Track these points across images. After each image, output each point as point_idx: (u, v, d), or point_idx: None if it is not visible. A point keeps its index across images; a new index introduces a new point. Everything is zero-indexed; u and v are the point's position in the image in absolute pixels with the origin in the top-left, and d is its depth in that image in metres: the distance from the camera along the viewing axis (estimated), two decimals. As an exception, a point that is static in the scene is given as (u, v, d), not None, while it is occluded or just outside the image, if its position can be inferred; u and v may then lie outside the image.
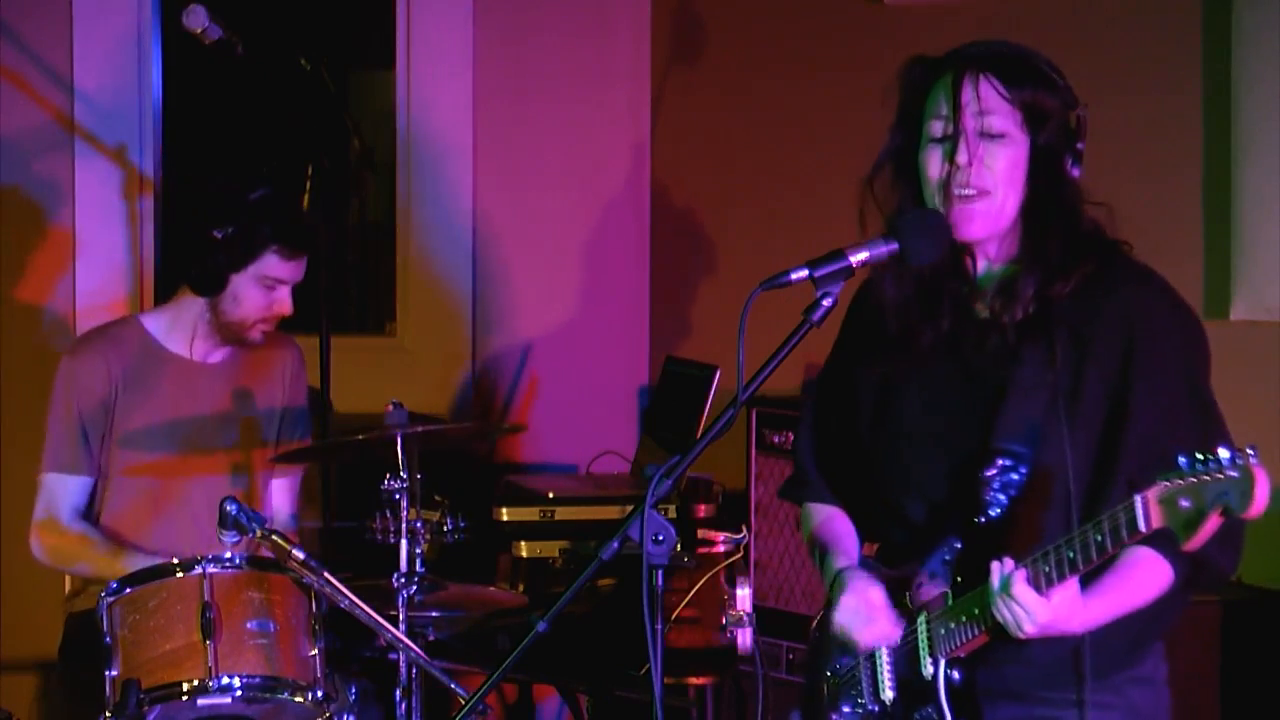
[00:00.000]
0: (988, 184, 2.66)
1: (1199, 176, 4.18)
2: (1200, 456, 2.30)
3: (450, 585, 3.83)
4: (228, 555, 3.51)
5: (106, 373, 3.97)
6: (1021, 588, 2.51)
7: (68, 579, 4.17)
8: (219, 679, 3.43)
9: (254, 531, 3.38)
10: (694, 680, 4.22)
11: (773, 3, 5.35)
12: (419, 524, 3.72)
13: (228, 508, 3.39)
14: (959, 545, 2.71)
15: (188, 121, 5.86)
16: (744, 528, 4.38)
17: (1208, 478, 2.29)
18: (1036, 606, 2.51)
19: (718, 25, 5.49)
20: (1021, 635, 2.55)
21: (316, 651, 3.54)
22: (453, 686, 3.35)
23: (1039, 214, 2.68)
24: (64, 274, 5.33)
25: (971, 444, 2.70)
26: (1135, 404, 2.62)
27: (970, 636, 2.63)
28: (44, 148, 5.32)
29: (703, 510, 4.36)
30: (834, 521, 2.96)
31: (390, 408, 3.77)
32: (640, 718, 2.91)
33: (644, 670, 2.65)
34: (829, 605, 2.85)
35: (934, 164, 2.69)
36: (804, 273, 2.56)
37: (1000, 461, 2.67)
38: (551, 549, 4.42)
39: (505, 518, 4.45)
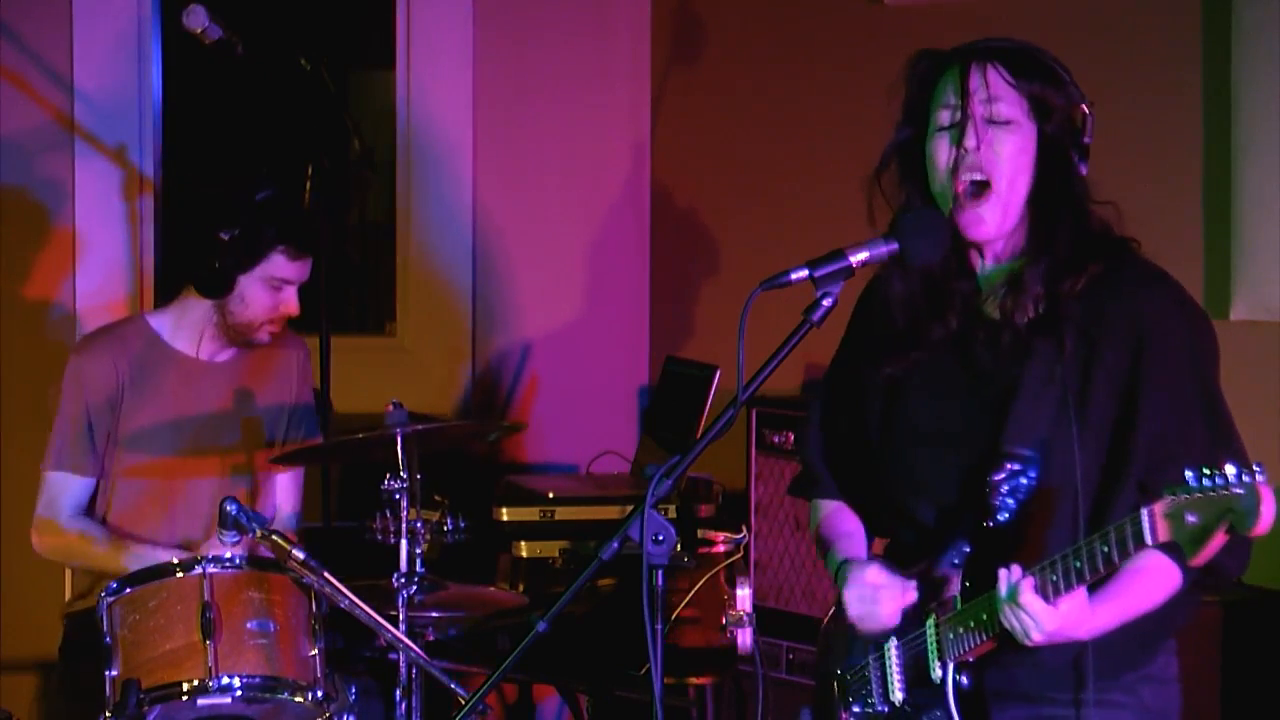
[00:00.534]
0: (994, 170, 2.65)
1: (1199, 176, 4.18)
2: (1207, 472, 2.30)
3: (450, 585, 3.83)
4: (228, 555, 3.51)
5: (114, 371, 3.97)
6: (1029, 596, 2.51)
7: (68, 582, 4.17)
8: (219, 679, 3.43)
9: (254, 531, 3.38)
10: (694, 680, 4.22)
11: (772, 3, 5.35)
12: (419, 524, 3.72)
13: (228, 508, 3.39)
14: (968, 549, 2.70)
15: (188, 121, 5.86)
16: (744, 528, 4.38)
17: (1214, 494, 2.29)
18: (1044, 615, 2.51)
19: (718, 25, 5.49)
20: (1029, 643, 2.55)
21: (316, 651, 3.54)
22: (453, 686, 3.35)
23: (1046, 205, 2.68)
24: (64, 274, 5.33)
25: (981, 447, 2.69)
26: (1145, 406, 2.62)
27: (978, 642, 2.63)
28: (44, 148, 5.32)
29: (703, 510, 4.36)
30: (842, 518, 2.96)
31: (390, 408, 3.77)
32: (640, 718, 2.91)
33: (644, 670, 2.66)
34: (838, 604, 2.85)
35: (942, 150, 2.69)
36: (804, 273, 2.56)
37: (1009, 466, 2.67)
38: (551, 549, 4.42)
39: (505, 518, 4.45)
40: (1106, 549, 2.42)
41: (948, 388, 2.77)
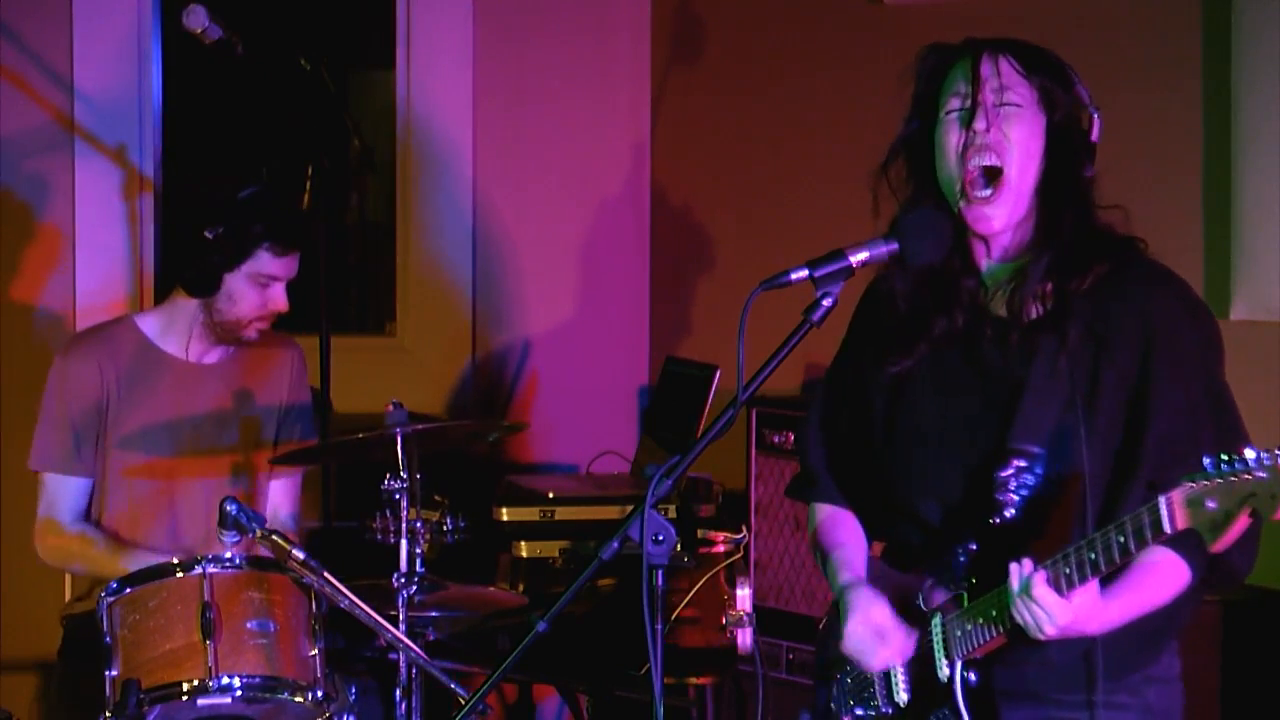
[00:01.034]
0: (1005, 153, 2.65)
1: (1199, 176, 4.18)
2: (1226, 457, 2.29)
3: (450, 585, 3.83)
4: (228, 555, 3.51)
5: (99, 375, 3.96)
6: (1042, 589, 2.51)
7: (68, 583, 4.17)
8: (219, 679, 3.42)
9: (254, 531, 3.38)
10: (694, 680, 4.22)
11: (772, 3, 5.35)
12: (419, 524, 3.72)
13: (227, 508, 3.39)
14: (974, 546, 2.70)
15: (188, 121, 5.86)
16: (744, 528, 4.38)
17: (1234, 479, 2.28)
18: (1057, 608, 2.51)
19: (718, 25, 5.49)
20: (1041, 637, 2.55)
21: (316, 651, 3.54)
22: (453, 686, 3.35)
23: (1054, 197, 2.68)
24: (63, 274, 5.33)
25: (987, 444, 2.69)
26: (1155, 406, 2.62)
27: (988, 638, 2.63)
28: (44, 148, 5.32)
29: (703, 510, 4.36)
30: (839, 525, 2.95)
31: (390, 408, 3.77)
32: (640, 718, 2.91)
33: (644, 670, 2.66)
34: (836, 616, 2.84)
35: (951, 134, 2.69)
36: (804, 273, 2.56)
37: (1016, 462, 2.67)
38: (551, 549, 4.42)
39: (505, 518, 4.45)
40: (1122, 539, 2.41)
41: (954, 385, 2.77)
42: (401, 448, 3.71)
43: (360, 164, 5.46)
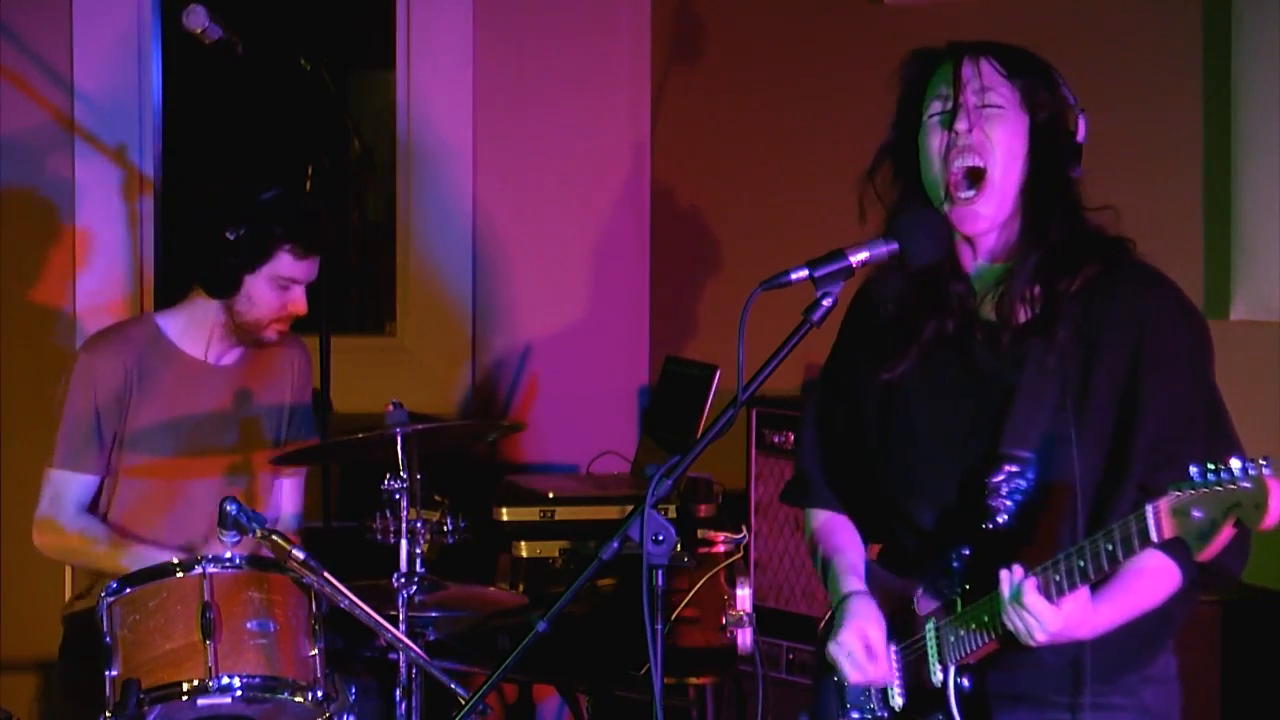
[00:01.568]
0: (987, 154, 2.65)
1: (1199, 177, 4.18)
2: (1212, 467, 2.29)
3: (450, 585, 3.83)
4: (228, 555, 3.51)
5: (123, 370, 3.97)
6: (1033, 596, 2.51)
7: (68, 582, 4.17)
8: (219, 679, 3.43)
9: (254, 531, 3.38)
10: (694, 680, 4.22)
11: (772, 3, 5.35)
12: (419, 524, 3.72)
13: (228, 508, 3.39)
14: (967, 552, 2.70)
15: (188, 121, 5.86)
16: (744, 528, 4.38)
17: (1220, 489, 2.29)
18: (1048, 615, 2.51)
19: (718, 25, 5.49)
20: (1032, 643, 2.55)
21: (316, 651, 3.54)
22: (453, 686, 3.35)
23: (1039, 197, 2.68)
24: (64, 274, 5.33)
25: (979, 449, 2.69)
26: (1146, 408, 2.62)
27: (980, 644, 2.63)
28: (44, 148, 5.32)
29: (703, 510, 4.36)
30: (836, 531, 2.95)
31: (390, 408, 3.77)
32: (640, 718, 2.91)
33: (644, 670, 2.66)
34: (834, 620, 2.84)
35: (934, 136, 2.69)
36: (804, 273, 2.56)
37: (1008, 468, 2.67)
38: (551, 549, 4.42)
39: (505, 518, 4.44)
40: (1110, 547, 2.42)
41: (946, 390, 2.77)
42: (401, 448, 3.71)
43: (360, 164, 5.45)
